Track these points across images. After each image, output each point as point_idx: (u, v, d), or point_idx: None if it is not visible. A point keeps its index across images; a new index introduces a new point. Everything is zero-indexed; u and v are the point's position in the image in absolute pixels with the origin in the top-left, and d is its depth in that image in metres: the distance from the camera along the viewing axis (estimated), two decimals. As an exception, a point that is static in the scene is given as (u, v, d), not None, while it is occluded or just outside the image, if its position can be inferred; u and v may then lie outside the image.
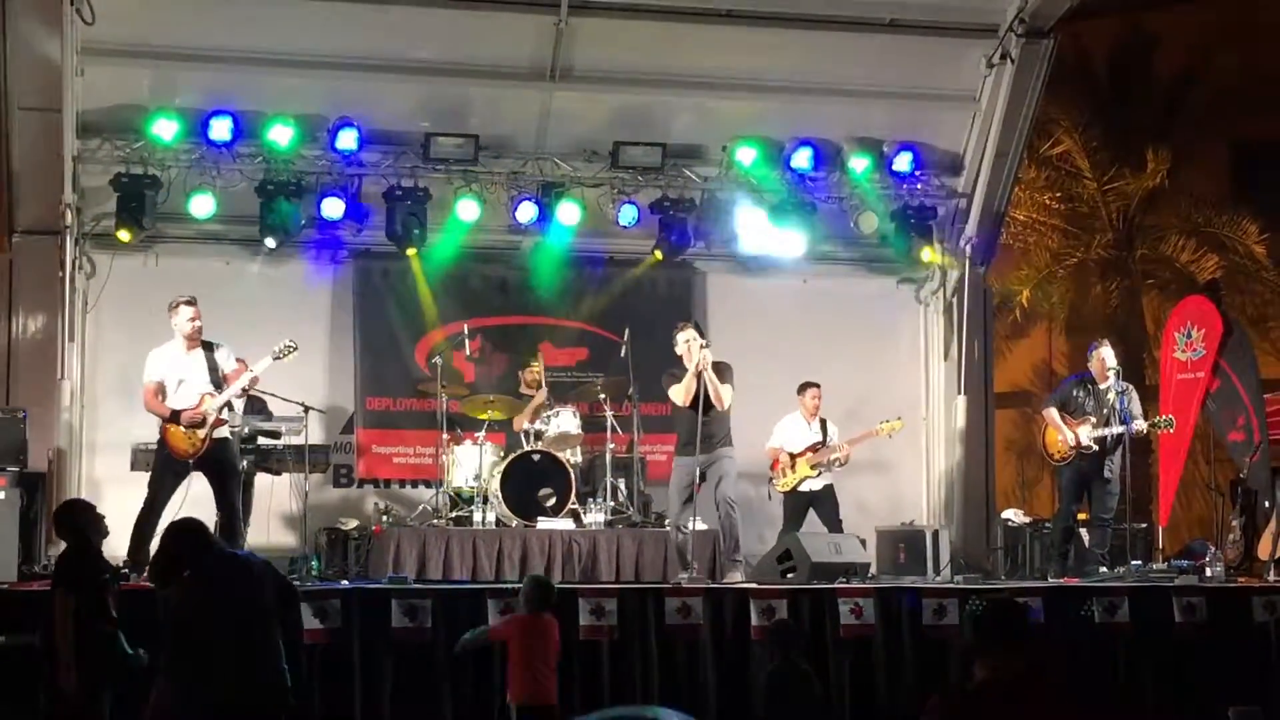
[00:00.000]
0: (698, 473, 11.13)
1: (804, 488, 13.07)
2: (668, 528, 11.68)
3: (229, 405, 10.90)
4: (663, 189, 13.81)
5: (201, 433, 10.59)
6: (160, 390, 10.70)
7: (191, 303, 10.80)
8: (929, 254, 14.18)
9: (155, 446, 10.97)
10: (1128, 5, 20.48)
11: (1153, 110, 20.50)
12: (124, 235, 12.81)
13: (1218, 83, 20.08)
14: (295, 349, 11.11)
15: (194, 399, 10.64)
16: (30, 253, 12.99)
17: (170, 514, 10.57)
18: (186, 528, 7.28)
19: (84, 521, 8.08)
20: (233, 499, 10.79)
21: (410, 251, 13.47)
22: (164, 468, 10.72)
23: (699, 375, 11.15)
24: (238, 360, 11.16)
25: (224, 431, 10.83)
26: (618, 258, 14.46)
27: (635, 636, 10.02)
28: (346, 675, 9.54)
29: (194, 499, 10.72)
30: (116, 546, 9.78)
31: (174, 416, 10.60)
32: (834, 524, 12.85)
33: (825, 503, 13.07)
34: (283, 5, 12.82)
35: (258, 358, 11.00)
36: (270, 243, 13.22)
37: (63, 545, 9.45)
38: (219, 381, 10.75)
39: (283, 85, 13.09)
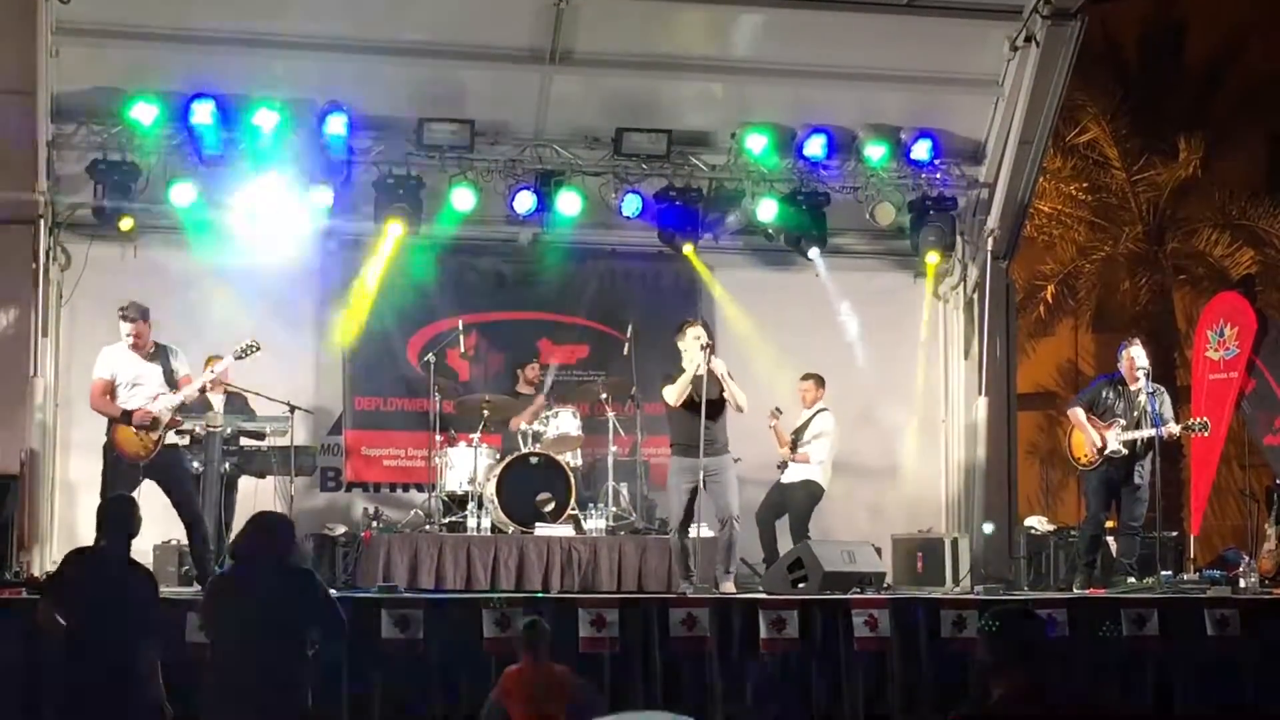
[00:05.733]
0: (700, 478, 11.11)
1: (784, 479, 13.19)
2: (669, 535, 11.69)
3: (184, 406, 10.88)
4: (668, 178, 13.80)
5: (154, 435, 10.62)
6: (109, 388, 10.74)
7: (128, 318, 10.77)
8: (935, 256, 14.18)
9: (103, 450, 10.87)
10: (1159, -15, 20.52)
11: (1185, 96, 20.49)
12: (126, 224, 12.73)
13: (1253, 68, 20.09)
14: (258, 349, 11.22)
15: (147, 400, 10.69)
16: (2, 243, 12.99)
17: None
18: (269, 522, 7.38)
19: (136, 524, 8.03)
20: (193, 508, 10.81)
21: (391, 227, 13.30)
22: (114, 472, 10.70)
23: (700, 377, 11.13)
24: (213, 358, 11.19)
25: (173, 438, 10.84)
26: (621, 250, 14.46)
27: (638, 649, 10.04)
28: (334, 688, 9.53)
29: (166, 506, 10.77)
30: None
31: (125, 416, 10.63)
32: (795, 530, 12.93)
33: (790, 502, 13.14)
34: (268, -17, 12.85)
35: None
36: (266, 219, 13.08)
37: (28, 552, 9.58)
38: (174, 384, 10.80)
39: (268, 68, 13.07)
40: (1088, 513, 12.68)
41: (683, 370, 11.29)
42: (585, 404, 13.36)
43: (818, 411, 13.29)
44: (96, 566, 7.57)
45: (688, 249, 14.06)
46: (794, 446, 13.13)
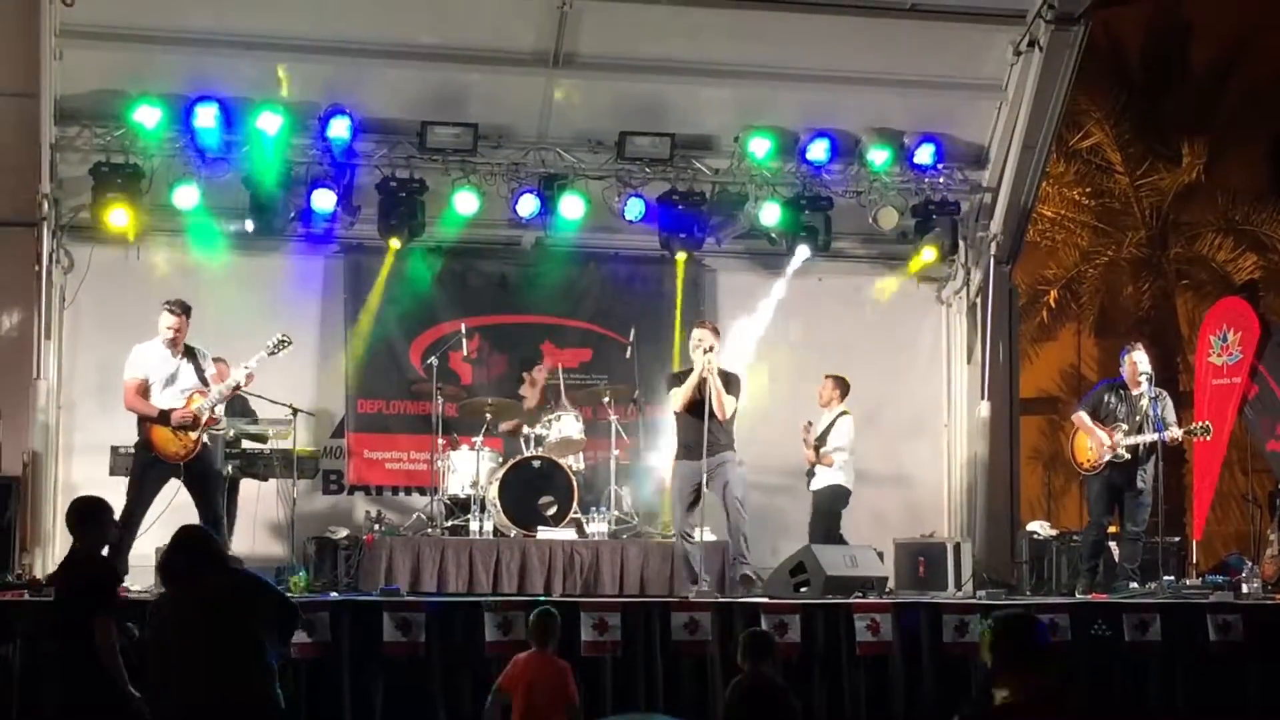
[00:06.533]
0: (704, 478, 11.13)
1: (812, 486, 13.25)
2: (673, 540, 11.70)
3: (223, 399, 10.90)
4: (671, 181, 13.80)
5: (194, 435, 10.60)
6: (144, 388, 10.68)
7: (174, 311, 10.76)
8: (931, 253, 14.15)
9: (135, 449, 10.91)
10: (1162, -10, 20.52)
11: (1188, 101, 20.48)
12: (122, 219, 12.61)
13: (1256, 72, 20.08)
14: (290, 343, 11.15)
15: (181, 399, 10.65)
16: (5, 245, 13.02)
17: (148, 522, 10.64)
18: (192, 537, 7.34)
19: (108, 523, 7.98)
20: (216, 508, 10.79)
21: (393, 243, 13.41)
22: (145, 472, 10.67)
23: (703, 381, 11.14)
24: (215, 361, 11.19)
25: (206, 436, 10.85)
26: (623, 254, 14.47)
27: (640, 653, 10.03)
28: (335, 692, 9.54)
29: (175, 507, 10.74)
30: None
31: (162, 417, 10.58)
32: (827, 533, 12.95)
33: (820, 506, 13.19)
34: (272, -14, 12.87)
35: (244, 355, 11.03)
36: (249, 225, 13.15)
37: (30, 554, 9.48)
38: (205, 383, 10.76)
39: (272, 70, 13.09)
40: (1090, 517, 12.68)
41: (689, 369, 11.34)
42: (587, 407, 13.37)
43: (839, 414, 13.33)
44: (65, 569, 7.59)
45: (680, 256, 14.06)
46: (818, 450, 13.22)
